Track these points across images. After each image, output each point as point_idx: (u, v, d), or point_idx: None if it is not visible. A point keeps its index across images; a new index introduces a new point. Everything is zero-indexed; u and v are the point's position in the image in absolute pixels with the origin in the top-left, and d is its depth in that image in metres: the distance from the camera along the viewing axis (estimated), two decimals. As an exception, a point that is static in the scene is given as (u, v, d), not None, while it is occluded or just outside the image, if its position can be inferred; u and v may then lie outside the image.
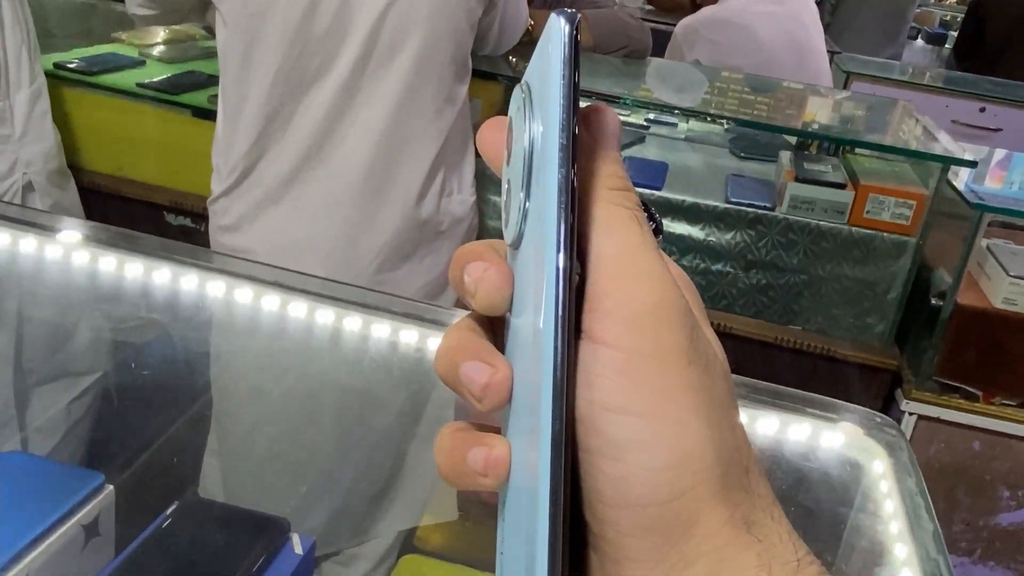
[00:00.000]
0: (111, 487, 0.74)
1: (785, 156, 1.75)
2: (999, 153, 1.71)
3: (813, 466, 0.64)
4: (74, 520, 0.70)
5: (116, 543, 0.74)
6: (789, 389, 0.70)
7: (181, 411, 0.92)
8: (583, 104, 0.27)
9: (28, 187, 1.44)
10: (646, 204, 0.29)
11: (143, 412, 0.85)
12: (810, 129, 1.84)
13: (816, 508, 0.63)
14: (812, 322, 1.64)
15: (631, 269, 0.25)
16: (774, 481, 0.65)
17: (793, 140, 1.98)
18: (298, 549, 0.75)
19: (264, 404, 1.31)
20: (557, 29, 0.25)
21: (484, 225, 1.70)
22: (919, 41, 4.71)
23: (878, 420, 0.66)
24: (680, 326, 0.24)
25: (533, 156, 0.26)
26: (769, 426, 0.67)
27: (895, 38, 3.83)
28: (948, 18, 5.03)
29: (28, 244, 0.98)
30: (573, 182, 0.24)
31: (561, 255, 0.24)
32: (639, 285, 0.24)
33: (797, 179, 1.62)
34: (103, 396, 0.97)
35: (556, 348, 0.23)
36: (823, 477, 0.64)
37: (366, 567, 1.39)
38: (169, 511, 0.76)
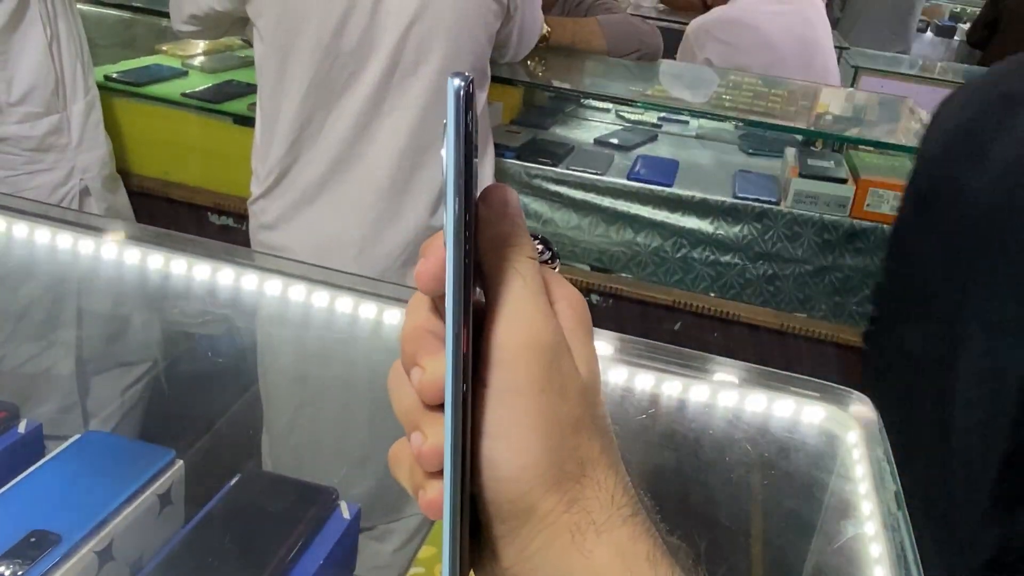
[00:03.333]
0: (181, 461, 0.83)
1: (790, 153, 1.83)
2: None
3: (796, 437, 0.74)
4: (150, 491, 0.78)
5: (185, 511, 0.84)
6: (776, 371, 0.79)
7: (238, 394, 1.01)
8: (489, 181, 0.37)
9: (84, 192, 1.55)
10: (542, 238, 0.37)
11: (205, 394, 0.95)
12: (812, 127, 1.92)
13: (798, 472, 0.73)
14: (817, 309, 1.72)
15: (505, 319, 0.34)
16: (763, 450, 0.75)
17: (799, 137, 2.05)
18: (346, 515, 0.83)
19: (309, 389, 1.41)
20: (450, 94, 0.31)
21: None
22: (928, 34, 4.71)
23: (853, 396, 0.75)
24: (537, 363, 0.34)
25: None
26: (758, 403, 0.76)
27: (904, 32, 3.86)
28: (959, 10, 5.02)
29: (88, 245, 1.08)
30: (467, 248, 0.32)
31: (451, 322, 0.32)
32: (508, 331, 0.34)
33: (801, 175, 1.70)
34: (168, 381, 1.07)
35: (451, 395, 0.32)
36: (804, 446, 0.73)
37: (400, 541, 1.49)
38: (231, 483, 0.85)
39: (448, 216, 0.32)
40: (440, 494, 0.34)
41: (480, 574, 0.36)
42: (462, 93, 0.31)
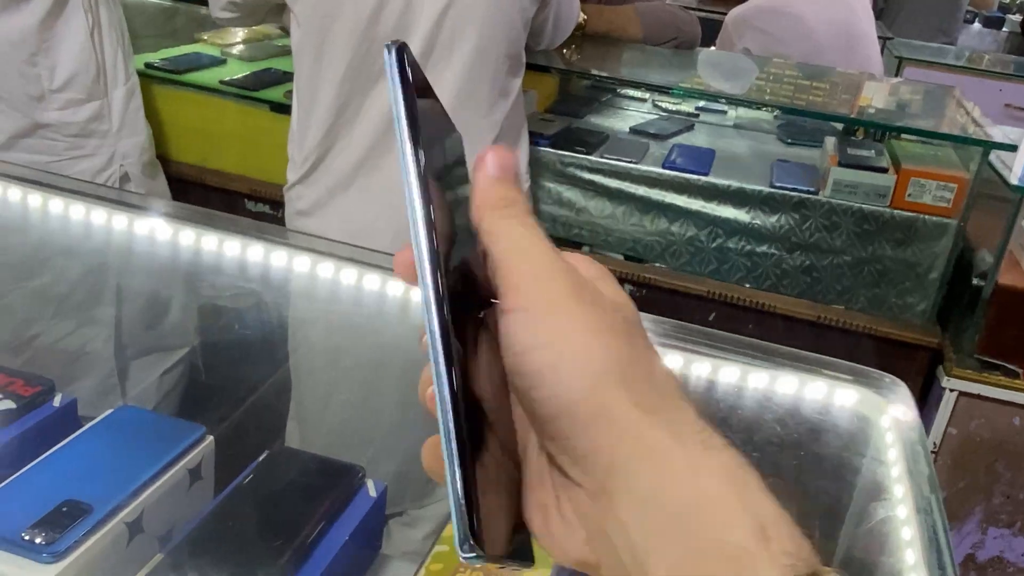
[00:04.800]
0: (211, 437, 0.84)
1: (830, 142, 1.79)
2: (1047, 136, 1.73)
3: (828, 420, 0.72)
4: (180, 465, 0.79)
5: (215, 486, 0.85)
6: (810, 354, 0.77)
7: (270, 371, 1.02)
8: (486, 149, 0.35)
9: (124, 178, 1.58)
10: None
11: (238, 372, 0.96)
12: (852, 116, 1.88)
13: (831, 454, 0.71)
14: (855, 301, 1.69)
15: (517, 255, 0.33)
16: (795, 432, 0.73)
17: (839, 126, 2.02)
18: (372, 492, 0.84)
19: (339, 368, 1.41)
20: (387, 61, 0.31)
21: (539, 210, 1.79)
22: (976, 25, 4.61)
23: (887, 380, 0.74)
24: (562, 280, 0.32)
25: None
26: (790, 385, 0.75)
27: (950, 23, 3.78)
28: (1007, 1, 4.90)
29: (127, 224, 1.09)
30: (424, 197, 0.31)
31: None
32: (524, 261, 0.33)
33: (840, 164, 1.67)
34: (201, 358, 1.09)
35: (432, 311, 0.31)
36: (837, 429, 0.72)
37: (430, 528, 1.49)
38: (260, 459, 0.85)
39: (406, 172, 0.31)
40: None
41: (561, 533, 0.33)
42: (395, 58, 0.31)
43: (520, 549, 0.33)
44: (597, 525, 0.31)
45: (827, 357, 0.77)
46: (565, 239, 1.80)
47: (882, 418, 0.72)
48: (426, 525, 1.49)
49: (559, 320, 0.31)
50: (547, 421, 0.31)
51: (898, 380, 0.74)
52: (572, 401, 0.31)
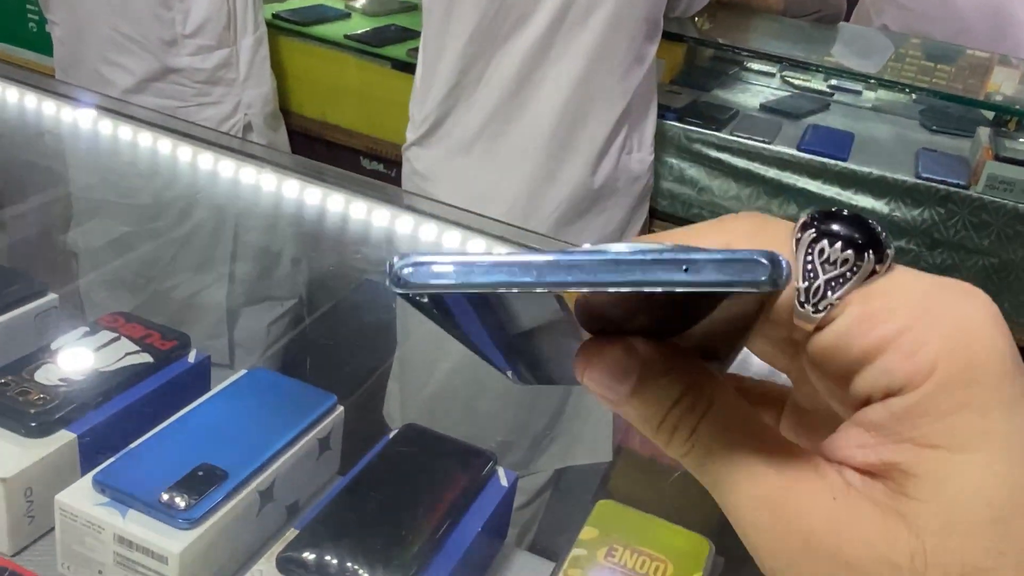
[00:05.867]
0: (342, 407, 0.82)
1: (984, 132, 1.67)
2: None
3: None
4: (312, 435, 0.77)
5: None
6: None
7: (391, 344, 1.00)
8: None
9: (247, 128, 1.57)
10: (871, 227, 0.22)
11: (367, 342, 0.93)
12: (1014, 105, 1.74)
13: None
14: (999, 307, 1.57)
15: None
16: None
17: (991, 116, 1.88)
18: (504, 482, 0.80)
19: (443, 339, 1.39)
20: None
21: (658, 186, 1.72)
22: None
23: None
24: None
25: None
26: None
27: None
28: None
29: (258, 177, 1.07)
30: None
31: None
32: None
33: (996, 158, 1.55)
34: (332, 325, 1.07)
35: None
36: None
37: (525, 498, 1.46)
38: (390, 436, 0.83)
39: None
40: None
41: None
42: None
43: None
44: None
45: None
46: (684, 218, 1.72)
47: None
48: (520, 496, 1.46)
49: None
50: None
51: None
52: None
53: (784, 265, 0.19)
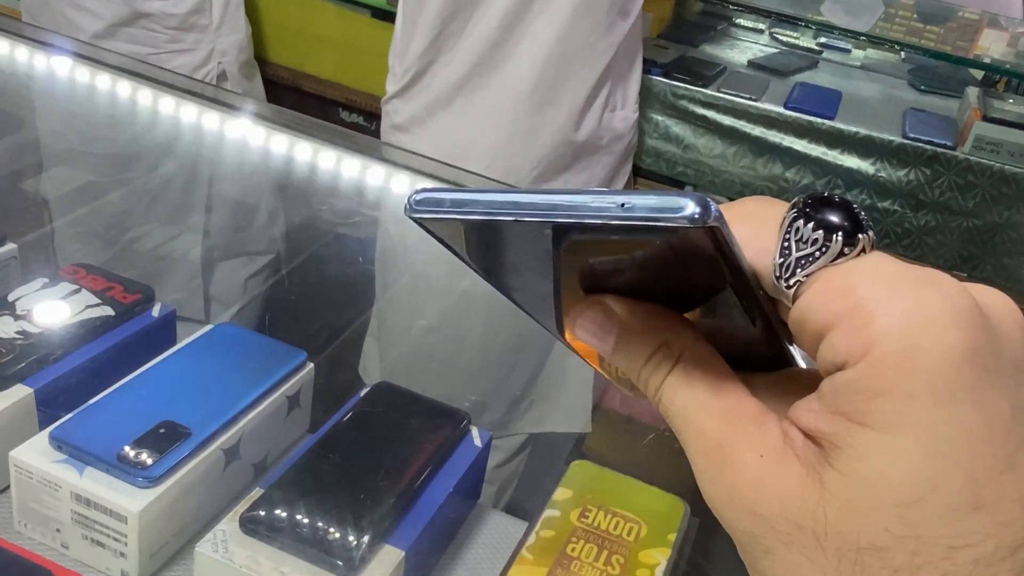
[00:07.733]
0: (311, 364, 0.79)
1: (972, 93, 1.65)
2: None
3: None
4: (280, 392, 0.75)
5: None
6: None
7: (363, 300, 0.97)
8: None
9: (222, 76, 1.53)
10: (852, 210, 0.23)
11: (338, 297, 0.91)
12: (1003, 65, 1.72)
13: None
14: (980, 269, 1.57)
15: None
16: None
17: (980, 76, 1.85)
18: (477, 442, 0.78)
19: (423, 296, 1.37)
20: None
21: (643, 143, 1.69)
22: None
23: None
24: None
25: None
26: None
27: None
28: None
29: (229, 125, 1.04)
30: None
31: None
32: None
33: (984, 118, 1.53)
34: (301, 279, 1.05)
35: None
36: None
37: (502, 457, 1.46)
38: (362, 393, 0.81)
39: None
40: None
41: None
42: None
43: None
44: None
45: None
46: (668, 176, 1.70)
47: None
48: (498, 455, 1.45)
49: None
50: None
51: None
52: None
53: (710, 207, 0.21)
